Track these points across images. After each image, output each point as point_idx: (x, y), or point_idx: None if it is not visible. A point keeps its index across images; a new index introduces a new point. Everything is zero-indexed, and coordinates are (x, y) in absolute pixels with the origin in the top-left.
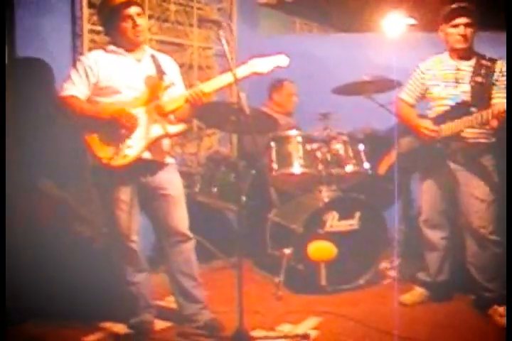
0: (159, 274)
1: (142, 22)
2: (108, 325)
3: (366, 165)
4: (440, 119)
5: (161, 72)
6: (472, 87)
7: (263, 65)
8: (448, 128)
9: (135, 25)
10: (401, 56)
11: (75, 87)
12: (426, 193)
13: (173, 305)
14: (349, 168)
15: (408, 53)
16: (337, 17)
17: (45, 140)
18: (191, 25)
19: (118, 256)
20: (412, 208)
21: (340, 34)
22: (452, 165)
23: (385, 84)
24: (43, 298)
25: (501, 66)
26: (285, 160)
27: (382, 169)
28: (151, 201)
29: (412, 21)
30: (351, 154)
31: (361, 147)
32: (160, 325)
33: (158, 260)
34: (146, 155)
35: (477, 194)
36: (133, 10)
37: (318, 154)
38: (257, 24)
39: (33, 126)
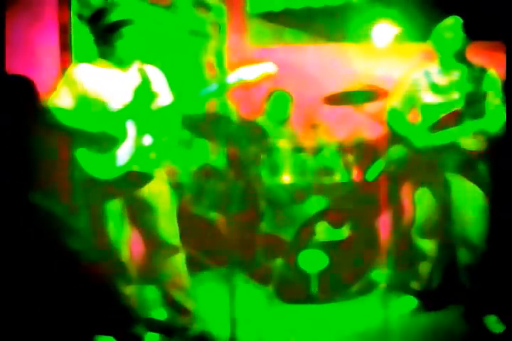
0: (150, 286)
1: (137, 41)
2: (99, 337)
3: (356, 175)
4: (433, 128)
5: (148, 83)
6: (464, 96)
7: (250, 72)
8: (442, 137)
9: (128, 45)
10: (390, 66)
11: (61, 100)
12: (419, 202)
13: (164, 317)
14: (339, 178)
15: (396, 63)
16: (326, 27)
17: (34, 152)
18: (180, 35)
19: (107, 268)
20: (402, 217)
21: (329, 44)
22: (446, 174)
23: (374, 94)
24: (31, 311)
25: (491, 75)
26: (275, 170)
27: (370, 176)
28: (141, 213)
29: (400, 31)
30: (341, 164)
31: (351, 156)
32: (151, 337)
33: (149, 272)
34: (135, 166)
35: (472, 202)
36: (129, 29)
37: (308, 164)
38: (247, 35)
39: (20, 137)
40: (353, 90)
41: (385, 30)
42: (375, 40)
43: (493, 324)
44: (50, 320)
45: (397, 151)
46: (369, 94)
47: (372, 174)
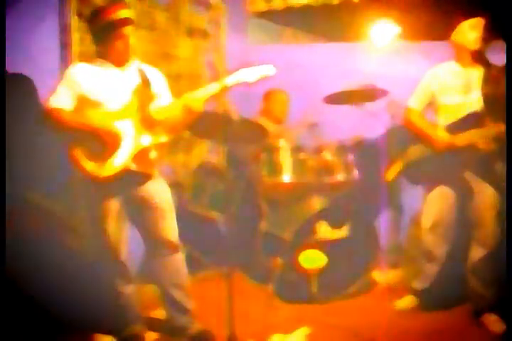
0: (149, 285)
1: (134, 41)
2: (98, 337)
3: (356, 174)
4: (453, 129)
5: (147, 84)
6: (484, 96)
7: (250, 74)
8: (464, 138)
9: (127, 44)
10: (389, 65)
11: (61, 100)
12: (434, 203)
13: (164, 317)
14: (339, 177)
15: (396, 62)
16: (325, 26)
17: (33, 152)
18: (180, 34)
19: (107, 267)
20: (403, 216)
21: (329, 43)
22: (466, 174)
23: (374, 93)
24: (32, 311)
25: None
26: (275, 169)
27: (390, 176)
28: (140, 212)
29: (401, 30)
30: (341, 163)
31: (351, 156)
32: (151, 336)
33: (148, 271)
34: (134, 166)
35: (490, 202)
36: (127, 30)
37: (308, 163)
38: (246, 34)
39: (20, 137)
40: (353, 89)
41: (384, 30)
42: (375, 39)
43: (494, 323)
44: (51, 319)
45: (416, 151)
46: (369, 94)
47: (391, 174)
